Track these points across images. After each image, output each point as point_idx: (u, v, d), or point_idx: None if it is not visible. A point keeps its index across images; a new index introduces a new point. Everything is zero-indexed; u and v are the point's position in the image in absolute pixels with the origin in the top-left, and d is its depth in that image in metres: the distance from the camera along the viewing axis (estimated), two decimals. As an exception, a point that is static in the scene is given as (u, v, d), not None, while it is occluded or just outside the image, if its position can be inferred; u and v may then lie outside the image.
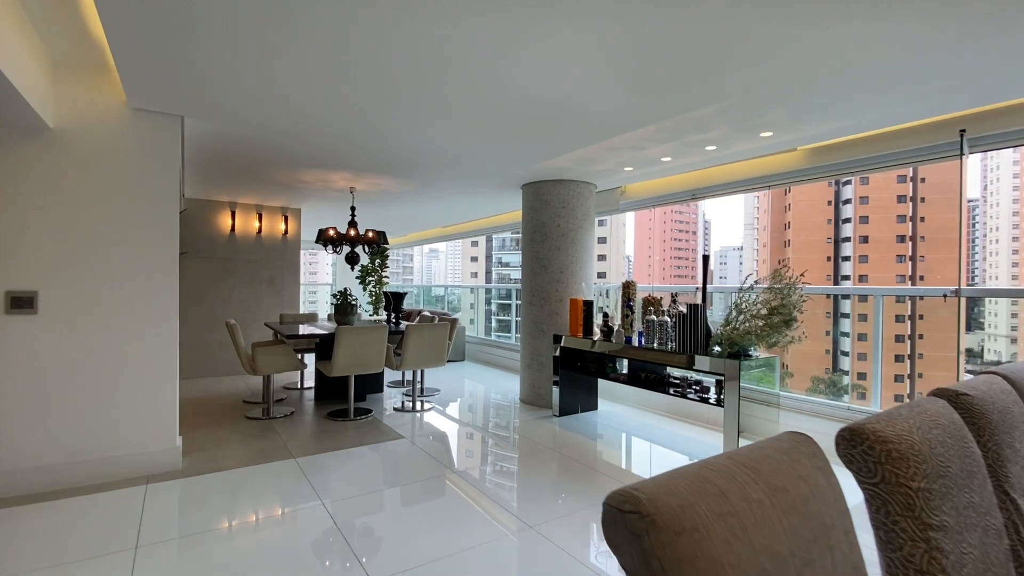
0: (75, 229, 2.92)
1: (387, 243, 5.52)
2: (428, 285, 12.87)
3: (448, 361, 7.63)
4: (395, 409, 4.84)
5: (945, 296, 2.86)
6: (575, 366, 4.59)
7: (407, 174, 4.78)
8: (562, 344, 4.58)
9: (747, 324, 3.12)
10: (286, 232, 6.91)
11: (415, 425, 4.33)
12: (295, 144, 3.86)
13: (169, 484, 2.98)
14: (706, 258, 3.72)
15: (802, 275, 3.06)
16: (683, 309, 3.79)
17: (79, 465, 2.92)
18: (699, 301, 3.63)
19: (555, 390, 4.63)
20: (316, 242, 5.32)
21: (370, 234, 5.27)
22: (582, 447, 3.78)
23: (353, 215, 5.46)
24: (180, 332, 5.76)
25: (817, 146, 3.71)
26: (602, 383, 4.94)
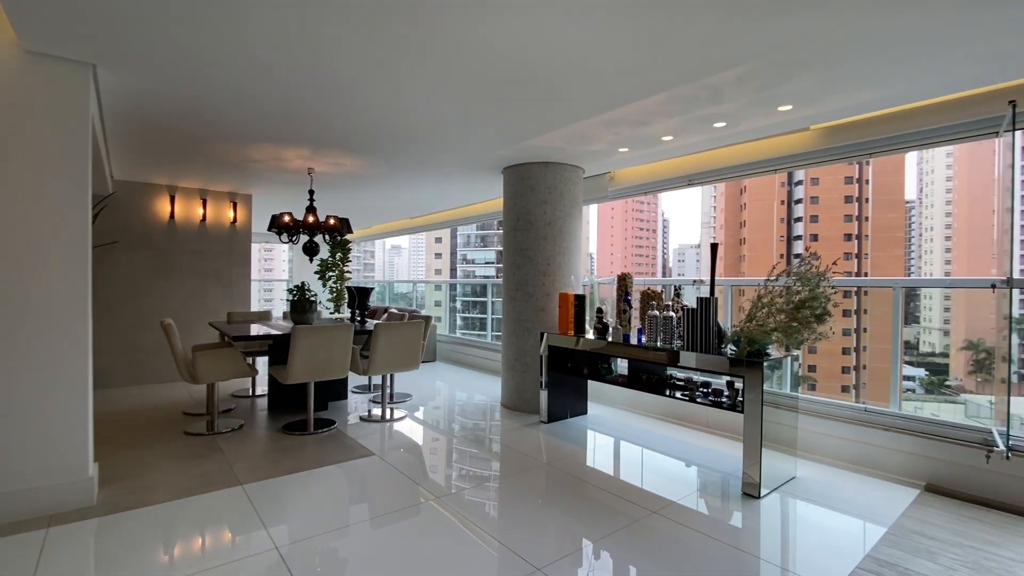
0: (-58, 203, 2.25)
1: (351, 231, 4.92)
2: (392, 281, 12.18)
3: (418, 362, 7.10)
4: (362, 419, 4.28)
5: (994, 286, 2.59)
6: (565, 367, 4.17)
7: (373, 151, 4.22)
8: (550, 343, 4.15)
9: (771, 319, 2.76)
10: (235, 220, 6.17)
11: (385, 437, 3.80)
12: (239, 108, 3.24)
13: (77, 527, 2.35)
14: (715, 247, 3.37)
15: (834, 264, 2.74)
16: (687, 303, 3.43)
17: (-50, 509, 2.25)
18: (707, 295, 3.27)
19: (543, 394, 4.20)
20: (269, 229, 4.68)
21: (331, 221, 4.67)
22: (579, 460, 3.36)
23: (312, 199, 4.84)
24: (111, 334, 4.91)
25: (832, 125, 3.41)
26: (591, 384, 4.54)
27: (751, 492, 2.79)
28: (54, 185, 2.46)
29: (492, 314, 7.74)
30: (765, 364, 2.76)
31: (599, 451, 3.58)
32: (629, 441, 3.78)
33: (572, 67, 2.54)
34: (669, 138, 3.73)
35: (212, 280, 6.01)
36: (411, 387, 5.55)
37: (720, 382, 3.39)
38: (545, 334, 4.19)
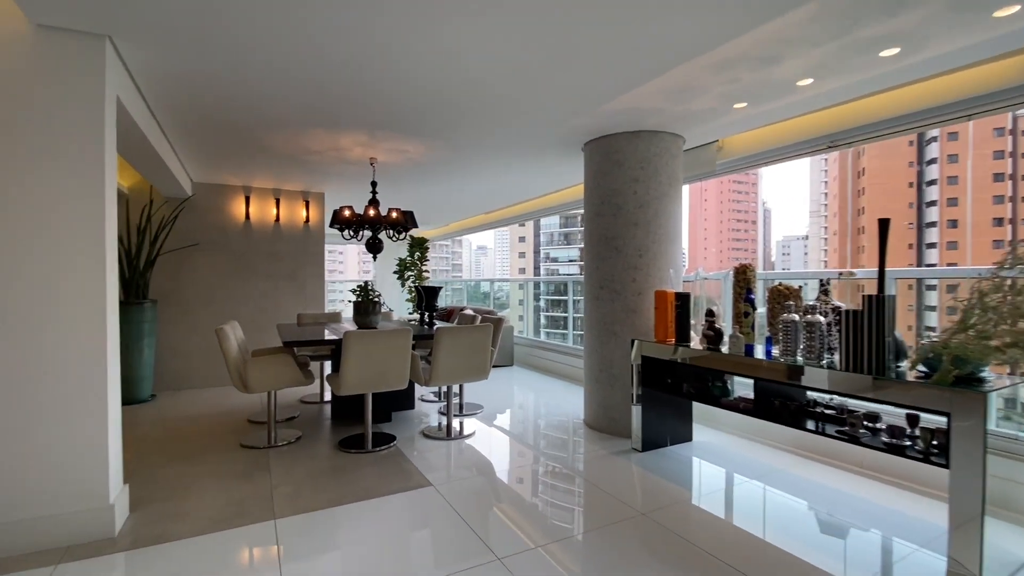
0: (-50, 197, 2.01)
1: (415, 225, 4.47)
2: (476, 280, 11.77)
3: (493, 366, 6.57)
4: (425, 435, 3.78)
5: None
6: (663, 383, 3.35)
7: (434, 131, 3.69)
8: (643, 352, 3.36)
9: (1000, 326, 1.79)
10: (307, 220, 6.03)
11: (448, 461, 3.25)
12: (283, 85, 2.84)
13: (88, 566, 2.03)
14: (885, 224, 2.39)
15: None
16: (840, 304, 2.50)
17: (-40, 538, 2.01)
18: (876, 291, 2.32)
19: (636, 414, 3.41)
20: (331, 226, 4.35)
21: (394, 214, 4.24)
22: (686, 510, 2.56)
23: (374, 191, 4.45)
24: (191, 336, 4.76)
25: (1079, 35, 2.29)
26: (698, 404, 3.67)
27: (966, 589, 1.83)
28: (66, 176, 2.17)
29: (573, 313, 7.00)
30: (991, 392, 1.79)
31: (713, 497, 2.74)
32: (754, 483, 2.90)
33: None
34: (807, 82, 2.78)
35: (286, 281, 5.91)
36: (483, 396, 5.00)
37: (891, 412, 2.41)
38: (637, 342, 3.41)
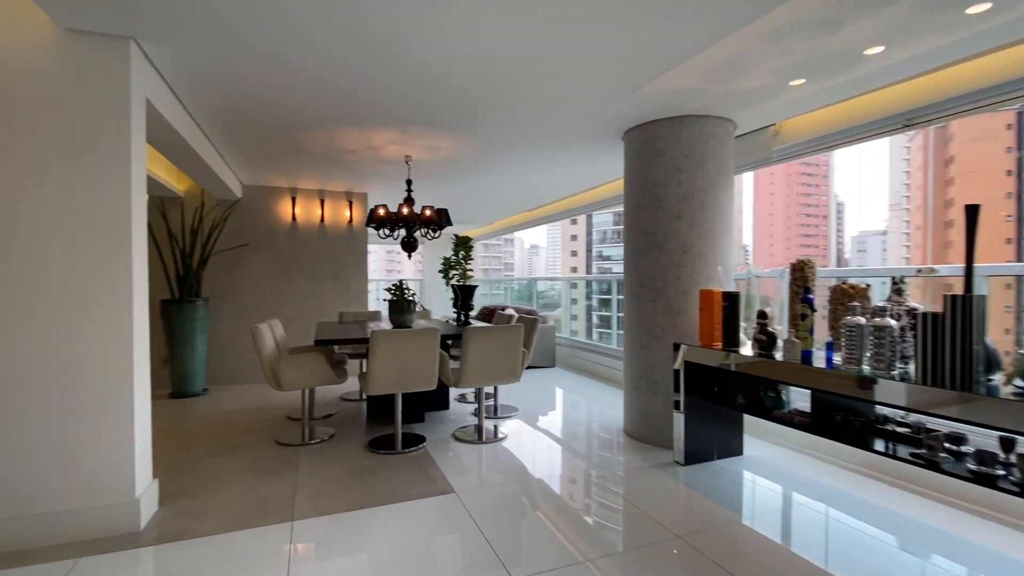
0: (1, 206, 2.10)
1: (449, 223, 4.39)
2: (526, 279, 11.64)
3: (533, 367, 6.41)
4: (456, 437, 3.68)
5: None
6: (709, 392, 3.07)
7: (463, 125, 3.57)
8: (687, 358, 3.08)
9: None
10: (351, 220, 6.12)
11: (476, 467, 3.12)
12: (310, 82, 2.82)
13: (109, 559, 2.06)
14: (973, 210, 2.01)
15: None
16: (917, 305, 2.15)
17: (3, 522, 2.10)
18: (963, 290, 1.96)
19: (678, 425, 3.15)
20: (367, 224, 4.35)
21: (427, 212, 4.17)
22: (735, 535, 2.29)
23: (409, 189, 4.41)
24: (243, 333, 4.84)
25: None
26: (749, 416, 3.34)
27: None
28: (92, 174, 2.22)
29: (617, 313, 6.71)
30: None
31: (766, 520, 2.45)
32: (814, 506, 2.57)
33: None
34: (877, 50, 2.42)
35: (330, 280, 6.03)
36: (520, 398, 4.85)
37: (980, 433, 2.03)
38: (682, 346, 3.14)
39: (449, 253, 9.44)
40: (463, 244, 9.09)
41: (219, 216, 5.38)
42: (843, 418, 2.32)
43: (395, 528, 2.33)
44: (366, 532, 2.30)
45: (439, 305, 10.15)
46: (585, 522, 2.43)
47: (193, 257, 4.98)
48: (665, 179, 3.42)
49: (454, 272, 9.19)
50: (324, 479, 2.90)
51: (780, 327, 2.84)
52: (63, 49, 2.19)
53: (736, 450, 3.27)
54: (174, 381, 4.94)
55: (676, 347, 3.16)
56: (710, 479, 2.90)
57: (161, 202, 5.09)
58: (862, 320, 2.22)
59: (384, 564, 2.04)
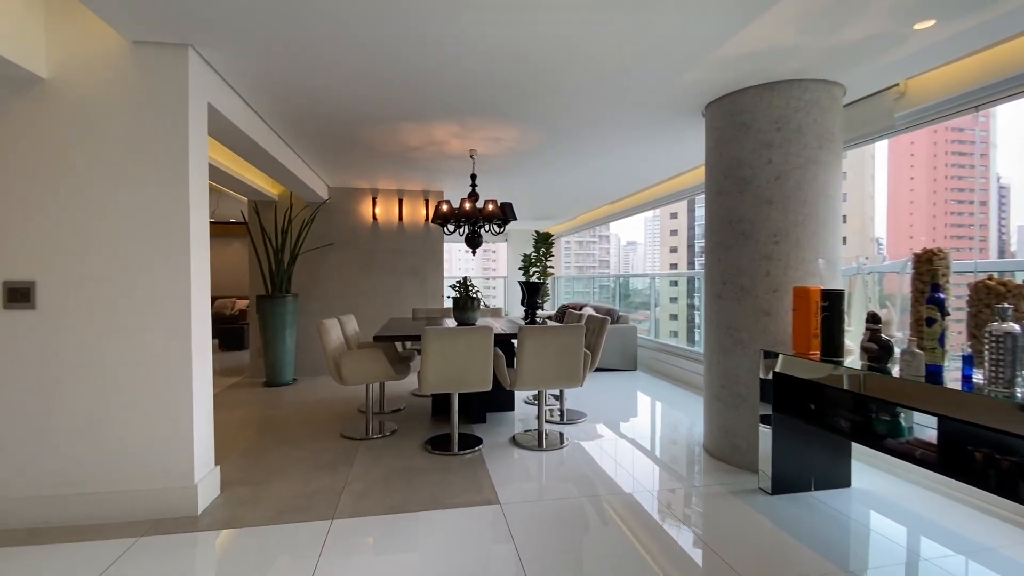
0: (77, 202, 2.31)
1: (514, 217, 4.20)
2: (612, 276, 11.13)
3: (612, 370, 6.00)
4: (515, 442, 3.49)
5: None
6: (804, 408, 2.56)
7: (524, 112, 3.36)
8: (777, 368, 2.60)
9: None
10: (427, 218, 6.20)
11: (528, 476, 2.91)
12: (364, 77, 2.79)
13: (164, 540, 2.17)
14: None
15: None
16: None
17: (79, 499, 2.31)
18: None
19: (765, 444, 2.67)
20: (433, 221, 4.32)
21: (490, 207, 4.03)
22: (823, 590, 1.83)
23: (473, 184, 4.30)
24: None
25: None
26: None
27: None
28: (156, 175, 2.36)
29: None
30: None
31: (870, 576, 1.94)
32: (949, 564, 2.00)
33: None
34: (1046, -36, 1.80)
35: (408, 277, 6.15)
36: (591, 402, 4.53)
37: None
38: (767, 353, 2.66)
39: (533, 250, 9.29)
40: (544, 241, 8.88)
41: (307, 217, 5.72)
42: (985, 456, 1.76)
43: (427, 539, 2.20)
44: (398, 540, 2.19)
45: (518, 303, 10.04)
46: (641, 557, 2.10)
47: (283, 256, 5.32)
48: (752, 157, 2.93)
49: (534, 269, 9.02)
50: (374, 477, 2.87)
51: (900, 334, 2.26)
52: (131, 60, 2.34)
53: (840, 480, 2.71)
54: (267, 371, 5.33)
55: (766, 355, 2.68)
56: (804, 516, 2.40)
57: (255, 205, 5.52)
58: (1016, 328, 1.65)
59: (421, 571, 1.91)
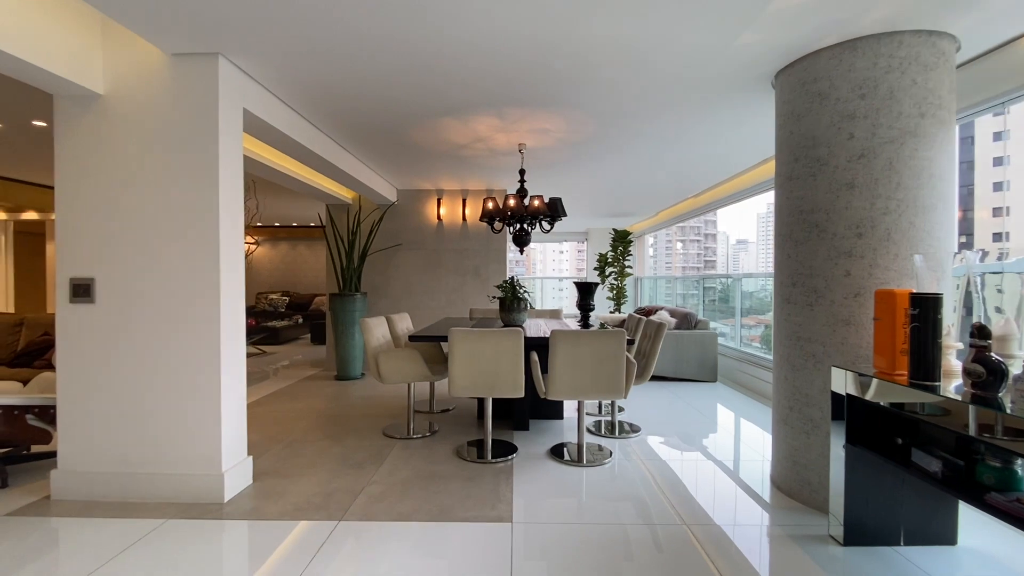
0: (127, 205, 2.53)
1: (563, 213, 3.95)
2: (732, 275, 10.27)
3: (687, 380, 5.46)
4: (553, 454, 3.26)
5: None
6: (888, 442, 2.04)
7: (564, 98, 3.12)
8: (852, 391, 2.10)
9: None
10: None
11: (556, 493, 2.67)
12: (394, 72, 2.76)
13: (189, 524, 2.28)
14: None
15: None
16: None
17: (131, 478, 2.52)
18: None
19: (836, 480, 2.18)
20: (481, 219, 4.22)
21: (535, 203, 3.82)
22: None
23: (522, 180, 4.12)
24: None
25: None
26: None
27: None
28: (190, 177, 2.50)
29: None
30: None
31: (960, 677, 1.45)
32: None
33: None
34: None
35: (471, 276, 6.14)
36: (650, 414, 4.13)
37: None
38: (838, 371, 2.16)
39: (603, 248, 8.88)
40: (621, 239, 8.45)
41: (376, 219, 5.93)
42: None
43: (425, 552, 2.08)
44: (394, 550, 2.09)
45: (601, 305, 9.63)
46: (650, 601, 1.79)
47: (353, 256, 5.57)
48: (828, 133, 2.42)
49: (611, 269, 8.61)
50: (396, 480, 2.82)
51: (1020, 353, 1.69)
52: (169, 71, 2.51)
53: (943, 535, 2.12)
54: (338, 365, 5.60)
55: (838, 372, 2.19)
56: (883, 578, 1.90)
57: (327, 208, 5.84)
58: None
59: (385, 596, 1.80)
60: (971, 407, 1.61)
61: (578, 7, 2.09)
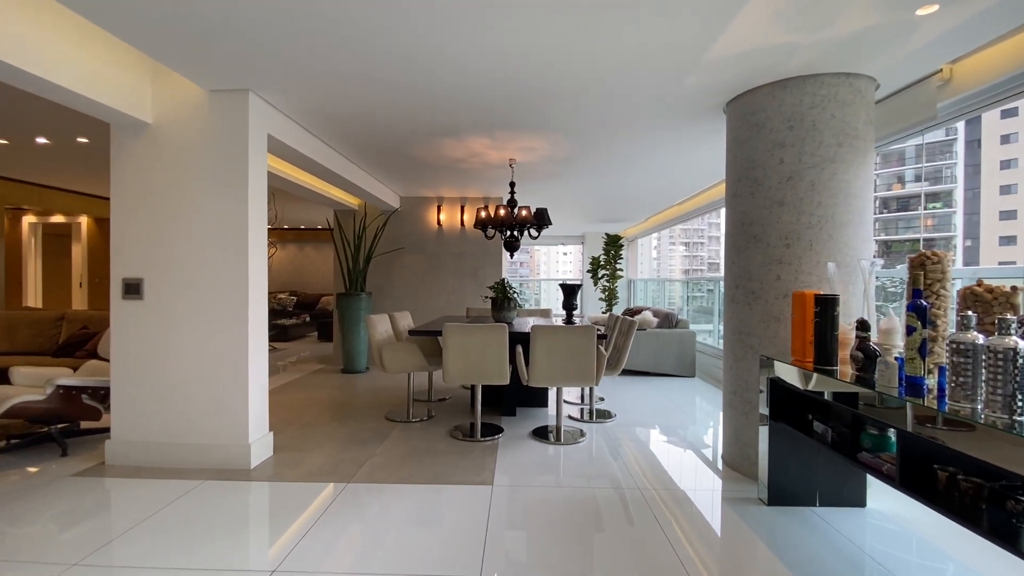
0: (171, 215, 2.99)
1: (549, 222, 4.38)
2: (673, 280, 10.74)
3: (667, 376, 5.86)
4: (534, 435, 3.69)
5: None
6: (800, 418, 2.46)
7: (541, 123, 3.55)
8: (772, 375, 2.52)
9: None
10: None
11: (532, 465, 3.10)
12: (395, 107, 3.21)
13: (220, 484, 2.72)
14: None
15: None
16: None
17: (170, 448, 2.97)
18: None
19: (762, 452, 2.60)
20: (474, 226, 4.66)
21: (523, 212, 4.26)
22: (765, 597, 1.82)
23: (512, 191, 4.56)
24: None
25: None
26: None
27: None
28: (223, 191, 2.95)
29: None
30: None
31: (830, 593, 1.87)
32: (922, 594, 1.85)
33: None
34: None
35: (469, 278, 6.58)
36: (625, 404, 4.55)
37: None
38: (764, 359, 2.58)
39: (595, 252, 9.28)
40: (612, 243, 8.85)
41: (380, 224, 6.39)
42: (948, 478, 1.63)
43: (413, 505, 2.51)
44: (394, 505, 2.53)
45: (587, 304, 10.05)
46: (596, 548, 2.21)
47: (359, 258, 6.02)
48: (763, 158, 2.84)
49: (603, 272, 9.02)
50: (396, 454, 3.26)
51: (900, 344, 2.10)
52: (208, 104, 2.97)
53: (853, 498, 2.54)
54: (344, 359, 6.05)
55: (763, 361, 2.61)
56: (799, 535, 2.31)
57: (335, 214, 6.30)
58: (978, 338, 1.53)
59: (385, 539, 2.23)
60: (854, 386, 2.02)
61: (544, 55, 2.52)
